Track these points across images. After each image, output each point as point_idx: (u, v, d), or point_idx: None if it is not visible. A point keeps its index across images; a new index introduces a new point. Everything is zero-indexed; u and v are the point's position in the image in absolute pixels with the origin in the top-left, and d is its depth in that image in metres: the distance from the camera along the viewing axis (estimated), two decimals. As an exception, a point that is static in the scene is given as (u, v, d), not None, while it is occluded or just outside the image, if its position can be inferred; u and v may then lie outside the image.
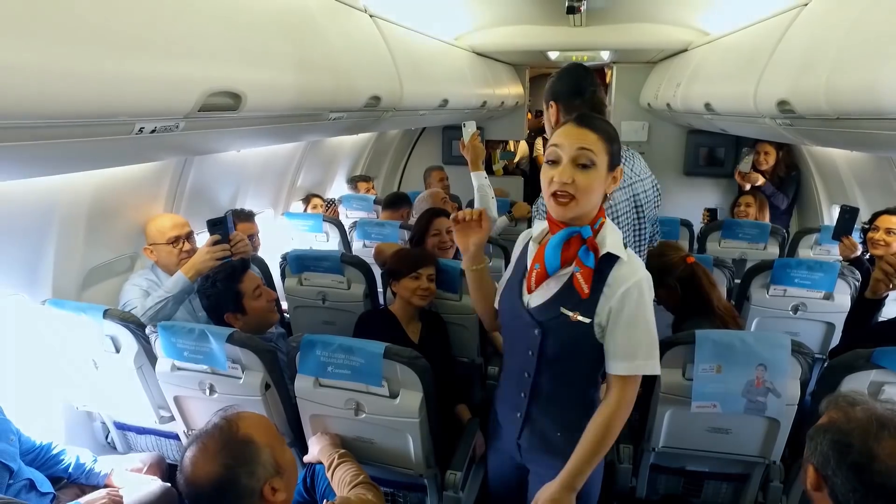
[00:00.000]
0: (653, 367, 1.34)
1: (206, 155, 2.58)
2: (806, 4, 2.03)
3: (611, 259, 1.32)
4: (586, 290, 1.29)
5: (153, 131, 1.20)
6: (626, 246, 1.36)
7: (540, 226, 1.45)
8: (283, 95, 1.72)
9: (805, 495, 1.31)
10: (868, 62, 1.43)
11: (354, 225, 3.42)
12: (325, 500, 1.57)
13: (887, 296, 2.13)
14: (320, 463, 1.69)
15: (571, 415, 1.43)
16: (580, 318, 1.32)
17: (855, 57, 1.52)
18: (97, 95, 0.99)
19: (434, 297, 2.27)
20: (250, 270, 2.12)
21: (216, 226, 2.18)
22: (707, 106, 2.99)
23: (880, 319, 2.22)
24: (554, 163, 1.28)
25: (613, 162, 1.30)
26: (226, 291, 2.01)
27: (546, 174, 1.29)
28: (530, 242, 1.46)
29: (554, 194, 1.27)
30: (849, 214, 2.61)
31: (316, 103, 1.97)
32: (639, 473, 1.98)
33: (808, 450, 1.12)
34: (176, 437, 2.12)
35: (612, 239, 1.33)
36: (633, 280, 1.30)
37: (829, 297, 2.45)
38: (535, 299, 1.39)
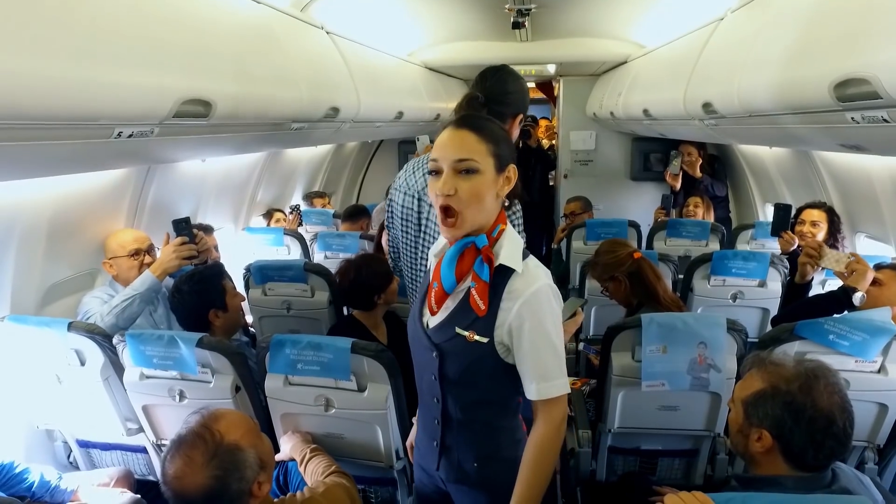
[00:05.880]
0: (564, 385, 1.22)
1: (167, 170, 2.60)
2: (722, 19, 2.27)
3: (506, 271, 1.20)
4: (483, 307, 1.17)
5: (130, 136, 1.25)
6: (526, 256, 1.24)
7: (442, 239, 1.31)
8: (249, 104, 1.80)
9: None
10: (766, 66, 1.63)
11: (315, 237, 3.46)
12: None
13: (812, 278, 2.36)
14: (292, 460, 1.73)
15: (486, 443, 1.31)
16: (477, 337, 1.20)
17: (758, 62, 1.73)
18: (80, 100, 1.04)
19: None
20: None
21: (182, 226, 2.21)
22: (645, 112, 3.21)
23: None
24: (436, 173, 1.17)
25: (502, 162, 1.18)
26: (213, 288, 2.08)
27: (431, 187, 1.18)
28: (430, 257, 1.32)
29: (441, 209, 1.16)
30: (783, 211, 2.73)
31: (279, 113, 2.06)
32: (598, 456, 2.10)
33: (752, 418, 1.23)
34: (143, 450, 2.09)
35: (508, 249, 1.20)
36: (528, 292, 1.17)
37: (762, 284, 2.66)
38: (433, 320, 1.28)
